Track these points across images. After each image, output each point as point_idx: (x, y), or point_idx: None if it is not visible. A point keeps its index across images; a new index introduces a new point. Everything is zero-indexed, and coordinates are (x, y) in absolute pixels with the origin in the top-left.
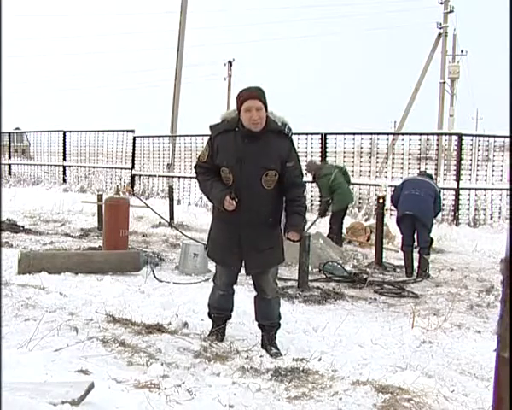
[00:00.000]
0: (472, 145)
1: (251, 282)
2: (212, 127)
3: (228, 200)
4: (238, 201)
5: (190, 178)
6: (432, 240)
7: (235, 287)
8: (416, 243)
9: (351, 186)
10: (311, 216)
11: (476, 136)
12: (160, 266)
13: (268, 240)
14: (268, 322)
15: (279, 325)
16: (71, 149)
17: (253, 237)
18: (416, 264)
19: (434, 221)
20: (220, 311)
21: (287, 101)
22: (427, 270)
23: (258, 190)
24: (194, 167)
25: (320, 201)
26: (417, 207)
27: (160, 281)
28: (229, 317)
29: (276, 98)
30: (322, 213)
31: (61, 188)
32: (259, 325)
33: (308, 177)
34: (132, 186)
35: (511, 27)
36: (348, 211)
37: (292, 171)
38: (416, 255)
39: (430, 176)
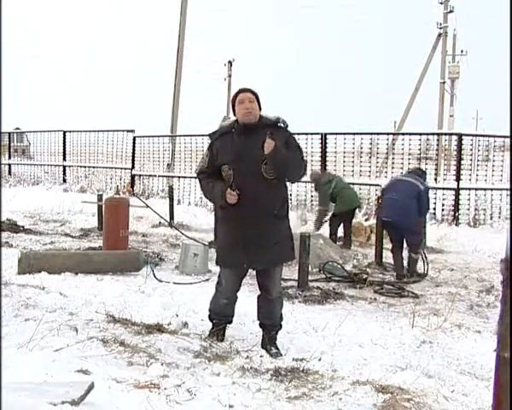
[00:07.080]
0: (472, 145)
1: (251, 282)
2: (210, 135)
3: (229, 191)
4: (240, 192)
5: (190, 178)
6: (421, 240)
7: None
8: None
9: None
10: (312, 217)
11: (476, 136)
12: (160, 266)
13: (275, 235)
14: (269, 322)
15: (280, 326)
16: (71, 149)
17: (259, 233)
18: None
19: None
20: (222, 317)
21: (287, 101)
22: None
23: (260, 181)
24: (197, 175)
25: (318, 211)
26: (395, 214)
27: (160, 281)
28: (231, 321)
29: (276, 98)
30: (318, 226)
31: (61, 188)
32: (261, 325)
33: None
34: (132, 186)
35: (511, 27)
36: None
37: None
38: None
39: (418, 173)
